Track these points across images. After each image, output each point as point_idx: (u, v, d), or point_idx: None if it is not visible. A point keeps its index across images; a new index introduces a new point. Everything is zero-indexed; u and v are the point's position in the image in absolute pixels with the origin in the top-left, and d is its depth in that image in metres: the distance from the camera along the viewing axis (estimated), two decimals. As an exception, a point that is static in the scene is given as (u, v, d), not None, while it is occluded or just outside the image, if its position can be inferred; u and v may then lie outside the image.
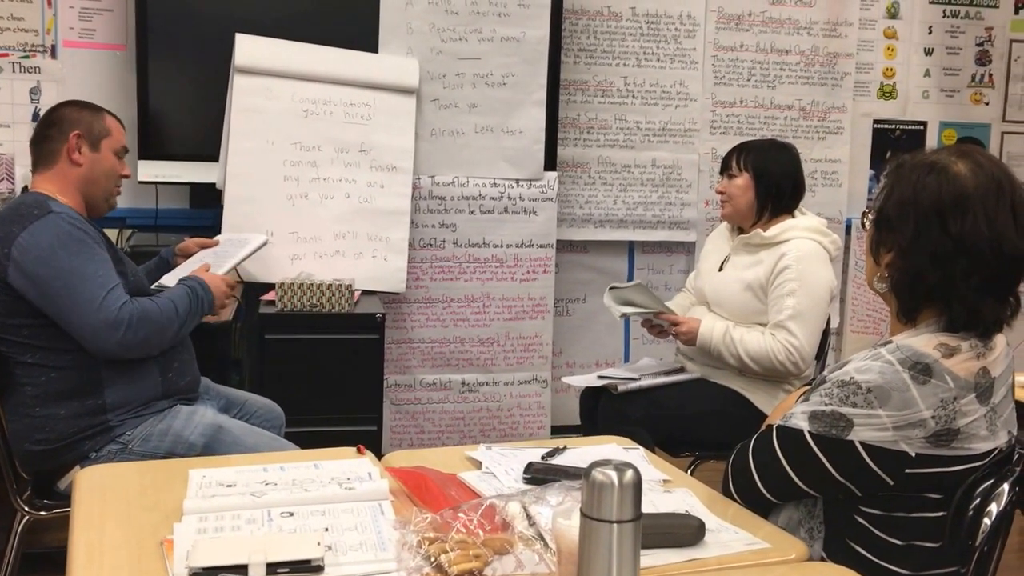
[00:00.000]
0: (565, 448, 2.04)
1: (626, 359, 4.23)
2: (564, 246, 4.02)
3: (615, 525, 1.22)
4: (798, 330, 2.80)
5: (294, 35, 3.45)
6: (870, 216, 1.77)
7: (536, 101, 3.76)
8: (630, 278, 4.23)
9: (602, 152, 4.09)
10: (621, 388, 2.99)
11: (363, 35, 3.56)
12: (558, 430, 3.91)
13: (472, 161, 3.74)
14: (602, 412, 3.05)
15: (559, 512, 1.38)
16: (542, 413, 3.92)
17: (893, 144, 4.51)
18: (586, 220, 4.11)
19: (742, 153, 3.03)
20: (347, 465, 1.81)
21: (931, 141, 4.53)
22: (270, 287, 3.23)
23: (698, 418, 2.93)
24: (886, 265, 1.72)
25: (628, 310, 3.05)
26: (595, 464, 1.25)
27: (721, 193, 3.05)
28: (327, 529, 1.50)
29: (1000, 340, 1.71)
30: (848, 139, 4.39)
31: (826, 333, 3.04)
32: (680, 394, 2.98)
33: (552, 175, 3.84)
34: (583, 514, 1.24)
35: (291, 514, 1.56)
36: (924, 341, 1.66)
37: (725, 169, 3.06)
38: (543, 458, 1.97)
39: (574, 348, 4.18)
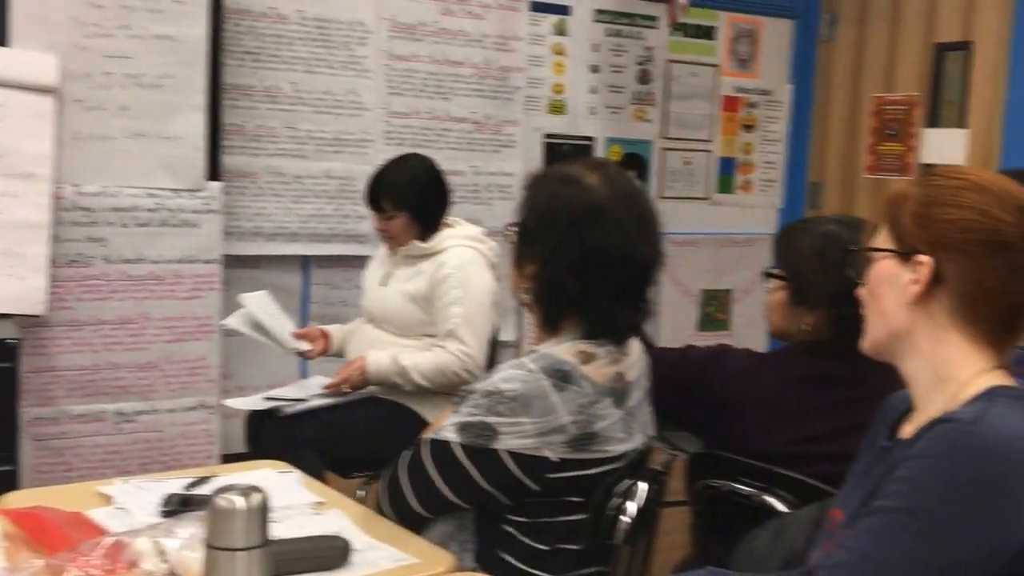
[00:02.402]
0: (211, 477, 1.90)
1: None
2: (232, 261, 3.77)
3: (241, 553, 1.15)
4: (468, 337, 2.80)
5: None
6: (513, 228, 1.81)
7: (195, 105, 3.50)
8: (306, 294, 4.05)
9: (272, 161, 3.89)
10: (288, 411, 2.83)
11: (-11, 26, 3.18)
12: (230, 459, 3.65)
13: (124, 169, 3.41)
14: (268, 436, 2.90)
15: (186, 545, 1.32)
16: (210, 441, 3.65)
17: (564, 158, 4.63)
18: (256, 233, 3.88)
19: (391, 191, 2.97)
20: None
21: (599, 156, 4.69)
22: None
23: (370, 437, 2.85)
24: (529, 276, 1.76)
25: (248, 332, 2.93)
26: (219, 491, 1.18)
27: (382, 231, 3.01)
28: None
29: (635, 346, 1.79)
30: (521, 152, 4.45)
31: (495, 342, 3.05)
32: (352, 413, 2.90)
33: (216, 185, 3.59)
34: (207, 544, 1.16)
35: None
36: (564, 349, 1.70)
37: (376, 207, 3.00)
38: (186, 489, 1.83)
39: (245, 370, 3.93)
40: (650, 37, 4.75)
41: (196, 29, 3.47)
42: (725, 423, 1.99)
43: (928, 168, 4.54)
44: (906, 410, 1.39)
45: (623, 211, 1.71)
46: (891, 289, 1.34)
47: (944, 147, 4.48)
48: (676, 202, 4.93)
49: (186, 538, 1.37)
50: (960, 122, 4.43)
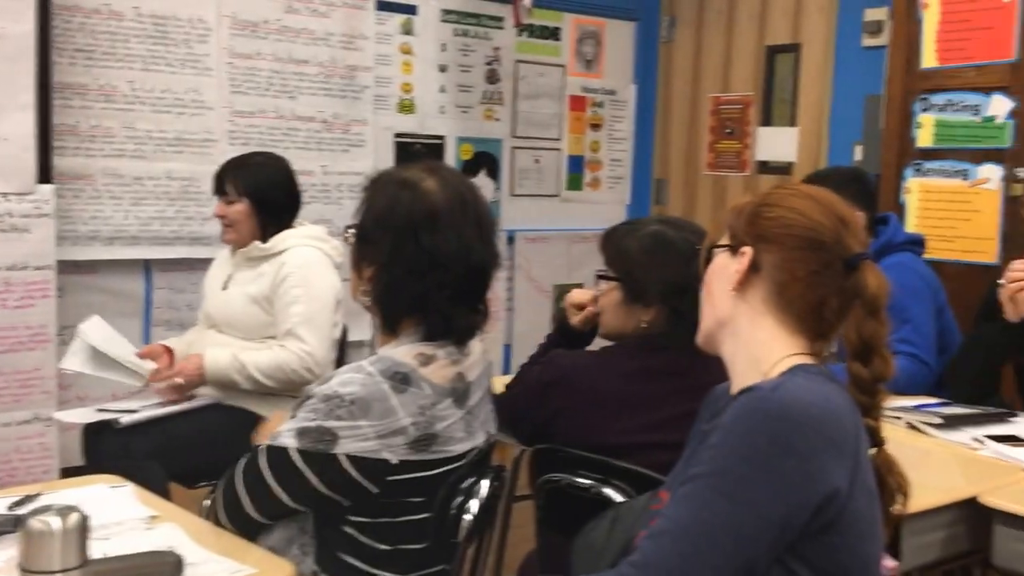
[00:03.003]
0: (39, 495, 1.82)
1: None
2: (67, 267, 3.63)
3: (58, 576, 1.07)
4: (308, 336, 2.76)
5: None
6: (351, 231, 1.80)
7: (23, 105, 3.35)
8: (148, 299, 3.92)
9: (109, 163, 3.75)
10: (124, 421, 2.74)
11: None
12: (69, 472, 3.51)
13: (-55, 173, 3.25)
14: (107, 449, 2.79)
15: (2, 569, 1.25)
16: (47, 456, 3.51)
17: (416, 158, 4.63)
18: (92, 238, 3.74)
19: (236, 175, 2.93)
20: None
21: (450, 155, 4.71)
22: None
23: (213, 445, 2.75)
24: (368, 279, 1.76)
25: (91, 372, 2.82)
26: (34, 512, 1.16)
27: (221, 217, 2.94)
28: None
29: (476, 346, 1.81)
30: (371, 152, 4.43)
31: (343, 343, 3.03)
32: (192, 421, 2.81)
33: (48, 188, 3.45)
34: (22, 569, 1.14)
35: None
36: (404, 351, 1.71)
37: (220, 192, 2.95)
38: (9, 508, 1.75)
39: (85, 379, 3.79)
40: (497, 37, 4.80)
41: (23, 25, 3.33)
42: (565, 420, 2.03)
43: (764, 165, 4.75)
44: (730, 399, 1.46)
45: (459, 215, 1.74)
46: (720, 279, 1.45)
47: (777, 144, 4.68)
48: (527, 200, 5.01)
49: (1, 563, 1.30)
50: (792, 120, 4.64)
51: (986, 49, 3.68)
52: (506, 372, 4.86)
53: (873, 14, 4.21)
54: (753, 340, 1.41)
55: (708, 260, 1.50)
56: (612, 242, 2.21)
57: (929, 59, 3.84)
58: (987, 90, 3.67)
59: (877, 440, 1.40)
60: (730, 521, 1.25)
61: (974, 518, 2.03)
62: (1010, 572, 2.03)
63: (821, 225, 1.40)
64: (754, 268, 1.41)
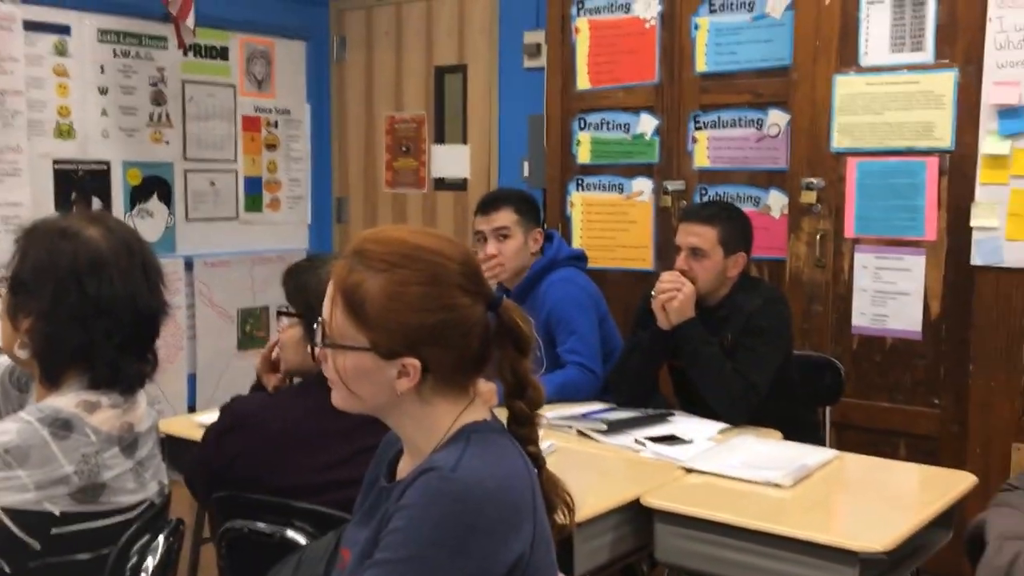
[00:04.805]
0: None
1: None
2: None
3: None
4: None
5: None
6: (5, 282, 1.72)
7: None
8: None
9: None
10: None
11: None
12: None
13: None
14: None
15: None
16: None
17: (79, 185, 4.37)
18: None
19: None
20: None
21: (116, 181, 4.48)
22: None
23: None
24: (26, 330, 1.69)
25: None
26: None
27: None
28: None
29: (142, 397, 1.77)
30: (28, 181, 4.12)
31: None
32: None
33: None
34: None
35: None
36: (67, 400, 1.66)
37: None
38: None
39: None
40: (161, 58, 4.61)
41: None
42: (244, 464, 2.00)
43: (441, 182, 4.88)
44: (410, 479, 1.43)
45: (126, 262, 1.70)
46: (373, 382, 1.37)
47: (451, 162, 4.84)
48: (204, 223, 4.85)
49: None
50: (463, 138, 4.80)
51: (632, 71, 3.99)
52: (191, 402, 4.69)
53: (531, 37, 4.45)
54: (425, 417, 1.39)
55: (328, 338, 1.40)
56: (293, 278, 2.21)
57: (583, 81, 4.11)
58: (635, 109, 3.98)
59: (539, 464, 1.46)
60: None
61: (638, 518, 2.19)
62: (672, 565, 2.23)
63: (458, 303, 1.36)
64: (423, 370, 1.36)
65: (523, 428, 1.44)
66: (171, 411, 4.33)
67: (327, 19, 5.22)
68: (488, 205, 3.19)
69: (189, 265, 4.73)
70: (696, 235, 2.85)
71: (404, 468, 1.44)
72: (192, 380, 4.75)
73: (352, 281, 1.37)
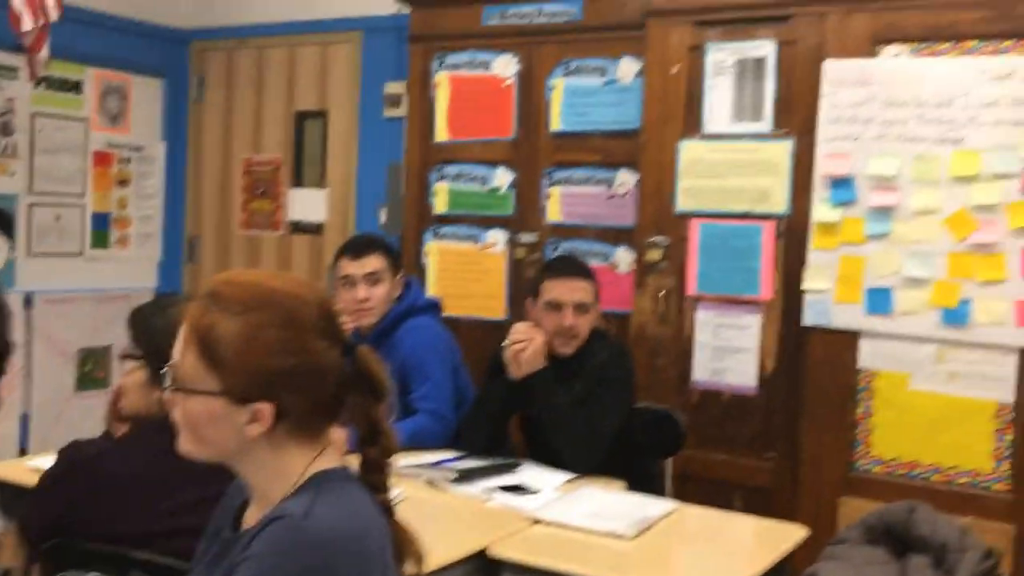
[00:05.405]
0: None
1: None
2: None
3: None
4: None
5: None
6: None
7: None
8: None
9: None
10: None
11: None
12: None
13: None
14: None
15: None
16: None
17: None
18: None
19: None
20: None
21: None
22: None
23: None
24: None
25: None
26: None
27: None
28: None
29: None
30: None
31: None
32: None
33: None
34: None
35: None
36: None
37: None
38: None
39: None
40: (11, 88, 4.46)
41: None
42: (81, 512, 1.94)
43: (296, 225, 4.86)
44: (258, 527, 1.41)
45: None
46: (223, 428, 1.35)
47: (309, 205, 4.82)
48: (48, 259, 4.68)
49: None
50: (321, 183, 4.80)
51: (490, 127, 4.08)
52: (23, 444, 4.48)
53: (393, 87, 4.50)
54: (276, 463, 1.37)
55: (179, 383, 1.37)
56: (138, 320, 2.16)
57: (442, 133, 4.17)
58: (492, 163, 4.07)
59: (390, 512, 1.45)
60: None
61: (486, 569, 2.20)
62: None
63: (312, 350, 1.35)
64: (277, 415, 1.34)
65: (375, 476, 1.43)
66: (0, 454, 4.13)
67: (186, 58, 5.15)
68: (360, 249, 3.20)
69: (28, 301, 4.55)
70: (582, 290, 2.94)
71: (251, 517, 1.41)
72: (25, 421, 4.54)
73: (206, 323, 1.34)
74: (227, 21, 5.03)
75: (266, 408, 1.33)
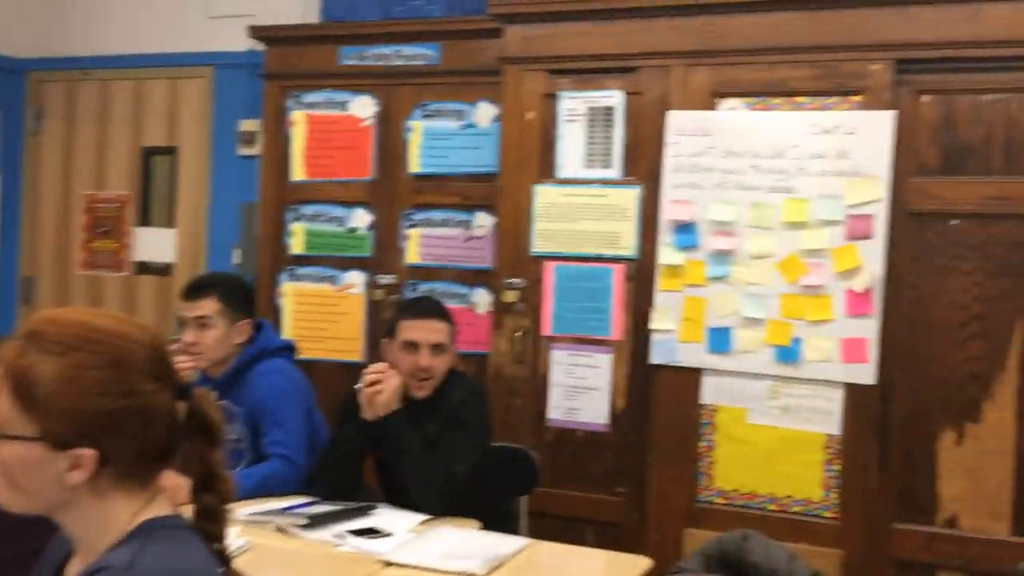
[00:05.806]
0: None
1: None
2: None
3: None
4: None
5: None
6: None
7: None
8: None
9: None
10: None
11: None
12: None
13: None
14: None
15: None
16: None
17: None
18: None
19: None
20: None
21: None
22: None
23: None
24: None
25: None
26: None
27: None
28: None
29: None
30: None
31: None
32: None
33: None
34: None
35: None
36: None
37: None
38: None
39: None
40: None
41: None
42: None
43: (143, 265, 4.72)
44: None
45: None
46: (41, 476, 1.28)
47: (157, 245, 4.70)
48: None
49: None
50: (170, 222, 4.68)
51: (348, 167, 4.08)
52: None
53: (247, 125, 4.45)
54: (100, 514, 1.30)
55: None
56: None
57: (298, 172, 4.15)
58: (350, 204, 4.07)
59: (226, 562, 1.39)
60: None
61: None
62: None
63: (141, 391, 1.30)
64: (100, 462, 1.27)
65: (211, 524, 1.36)
66: None
67: (22, 89, 4.96)
68: (192, 292, 3.13)
69: None
70: (439, 331, 2.96)
71: (73, 572, 1.34)
72: None
73: (22, 364, 1.27)
74: (67, 51, 4.87)
75: (88, 454, 1.26)
